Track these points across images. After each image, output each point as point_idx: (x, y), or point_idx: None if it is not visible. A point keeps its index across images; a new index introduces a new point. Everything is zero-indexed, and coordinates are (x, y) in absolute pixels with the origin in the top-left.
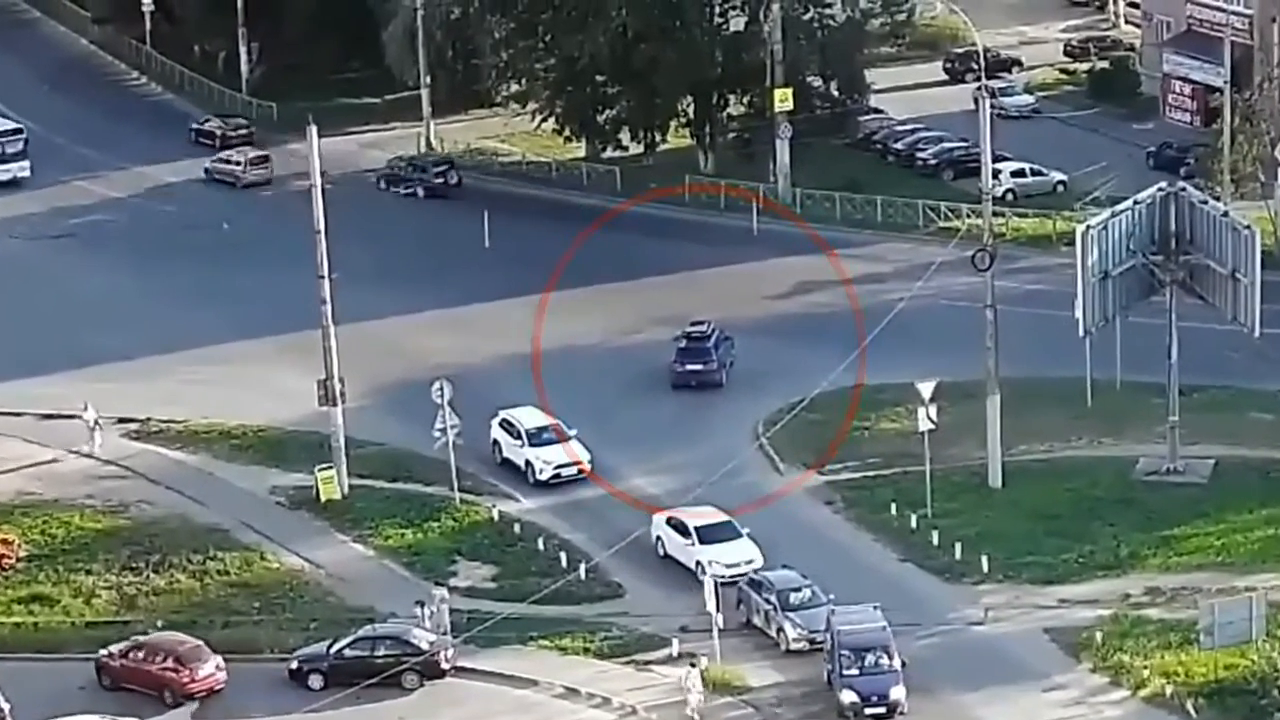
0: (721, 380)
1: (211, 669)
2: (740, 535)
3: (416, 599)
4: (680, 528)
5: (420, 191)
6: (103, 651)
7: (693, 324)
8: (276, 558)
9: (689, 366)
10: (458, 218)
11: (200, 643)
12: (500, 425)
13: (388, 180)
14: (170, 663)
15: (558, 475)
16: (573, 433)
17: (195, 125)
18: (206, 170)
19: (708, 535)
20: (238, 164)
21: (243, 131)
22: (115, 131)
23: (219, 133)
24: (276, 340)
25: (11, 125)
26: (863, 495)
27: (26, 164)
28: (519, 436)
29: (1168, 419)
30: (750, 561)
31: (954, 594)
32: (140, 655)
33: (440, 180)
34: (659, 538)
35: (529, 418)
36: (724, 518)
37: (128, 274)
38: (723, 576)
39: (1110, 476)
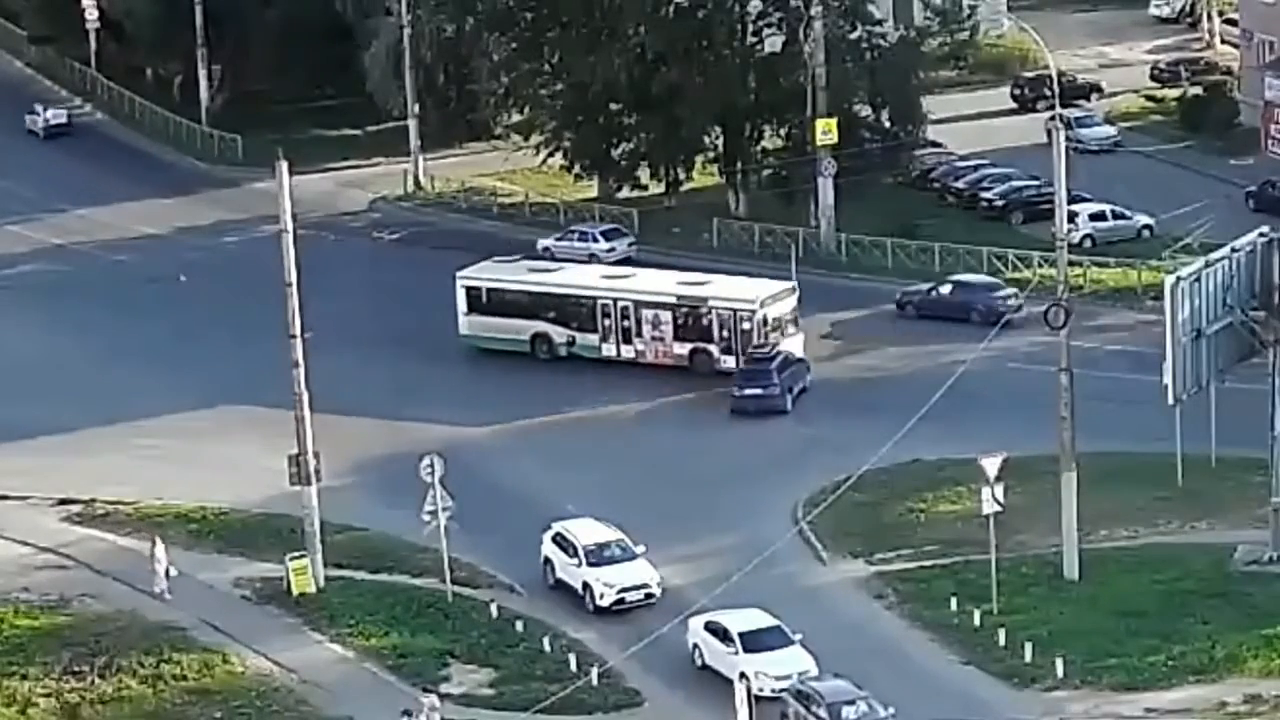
0: (785, 406)
1: None
2: (791, 642)
3: (403, 708)
4: (721, 633)
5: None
6: None
7: (755, 344)
8: (241, 660)
9: (748, 391)
10: (451, 268)
11: None
12: (553, 541)
13: None
14: None
15: (621, 600)
16: (640, 549)
17: None
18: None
19: (752, 642)
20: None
21: None
22: (55, 168)
23: None
24: (241, 409)
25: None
26: (918, 588)
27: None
28: (575, 554)
29: (1270, 500)
30: (803, 673)
31: (1024, 701)
32: None
33: None
34: (696, 645)
35: (586, 532)
36: (772, 621)
37: (69, 333)
38: (771, 690)
39: (1204, 567)
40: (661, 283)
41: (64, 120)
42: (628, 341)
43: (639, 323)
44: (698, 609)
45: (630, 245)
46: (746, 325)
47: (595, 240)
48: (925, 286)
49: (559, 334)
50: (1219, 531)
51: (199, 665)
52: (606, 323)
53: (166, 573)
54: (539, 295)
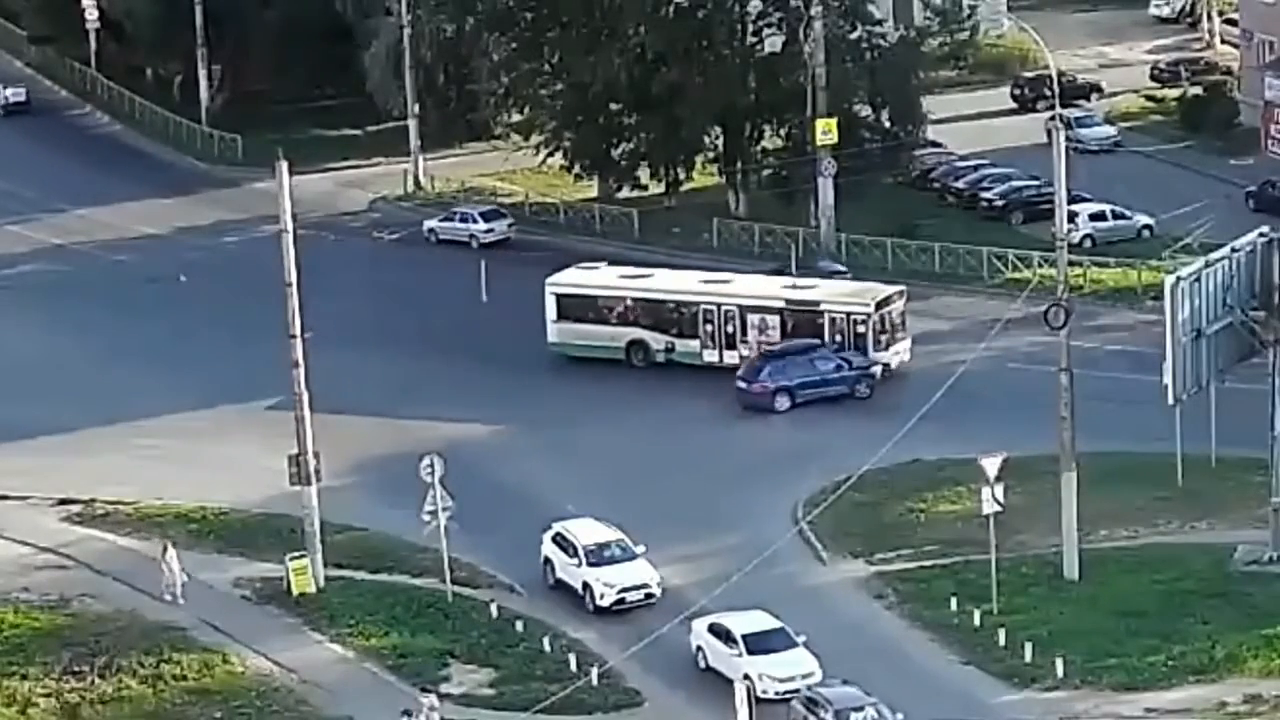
0: (771, 405)
1: None
2: (795, 644)
3: (403, 708)
4: (724, 635)
5: None
6: None
7: (772, 340)
8: (241, 660)
9: (738, 383)
10: (449, 268)
11: None
12: (553, 541)
13: None
14: None
15: (621, 600)
16: (640, 549)
17: None
18: None
19: (756, 644)
20: None
21: None
22: (54, 168)
23: None
24: (241, 409)
25: None
26: (918, 588)
27: None
28: (575, 554)
29: (1270, 500)
30: (808, 675)
31: (1023, 702)
32: None
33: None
34: (699, 648)
35: (586, 532)
36: (776, 623)
37: (69, 333)
38: (775, 693)
39: (1204, 566)
40: (766, 287)
41: (22, 99)
42: (731, 347)
43: (744, 327)
44: (697, 609)
45: (510, 226)
46: (861, 328)
47: (475, 221)
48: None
49: (656, 341)
50: (1219, 531)
51: (199, 665)
52: (709, 328)
53: (180, 582)
54: (636, 301)
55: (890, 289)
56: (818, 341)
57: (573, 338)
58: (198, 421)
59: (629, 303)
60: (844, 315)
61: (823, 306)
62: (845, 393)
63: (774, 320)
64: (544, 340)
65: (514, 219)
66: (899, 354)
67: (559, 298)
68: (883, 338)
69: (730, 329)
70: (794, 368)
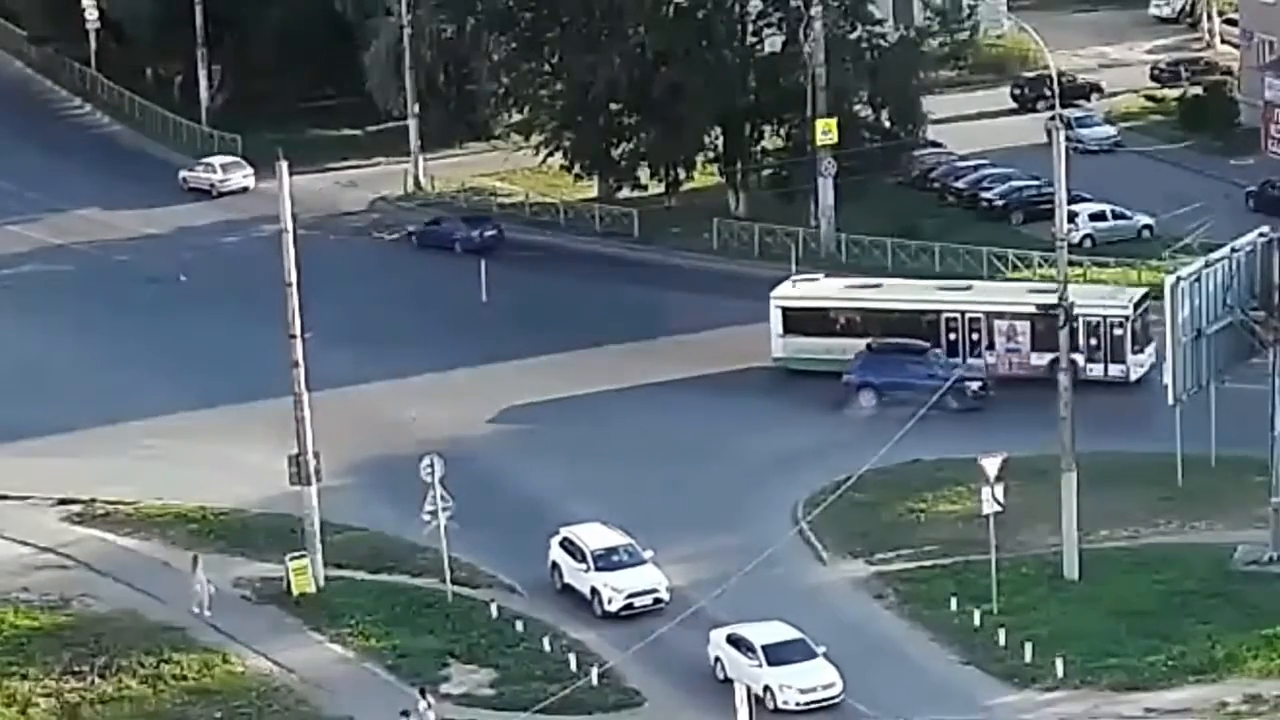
0: (856, 399)
1: None
2: (815, 655)
3: (402, 708)
4: (743, 645)
5: None
6: None
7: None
8: (241, 660)
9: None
10: (450, 267)
11: None
12: (561, 545)
13: None
14: None
15: (630, 605)
16: (648, 554)
17: None
18: None
19: (776, 655)
20: None
21: None
22: (55, 168)
23: None
24: (241, 409)
25: None
26: (918, 588)
27: None
28: (583, 559)
29: (1270, 500)
30: (829, 685)
31: (1023, 702)
32: None
33: None
34: (718, 658)
35: (594, 537)
36: (795, 634)
37: (69, 333)
38: (796, 704)
39: (1204, 567)
40: (1009, 293)
41: None
42: (975, 355)
43: (991, 335)
44: (696, 609)
45: (245, 176)
46: (1119, 331)
47: (215, 171)
48: (426, 220)
49: None
50: (1219, 531)
51: (199, 665)
52: (952, 337)
53: (209, 595)
54: (872, 312)
55: (1139, 290)
56: (927, 344)
57: (802, 351)
58: (198, 421)
59: (863, 314)
60: (1100, 319)
61: (1076, 310)
62: (936, 401)
63: (1024, 326)
64: (543, 338)
65: (254, 168)
66: (1150, 359)
67: (785, 311)
68: (1138, 340)
69: (975, 337)
70: (886, 366)
